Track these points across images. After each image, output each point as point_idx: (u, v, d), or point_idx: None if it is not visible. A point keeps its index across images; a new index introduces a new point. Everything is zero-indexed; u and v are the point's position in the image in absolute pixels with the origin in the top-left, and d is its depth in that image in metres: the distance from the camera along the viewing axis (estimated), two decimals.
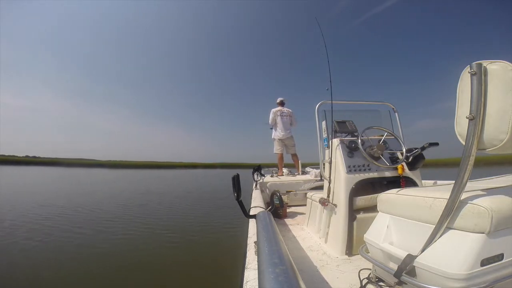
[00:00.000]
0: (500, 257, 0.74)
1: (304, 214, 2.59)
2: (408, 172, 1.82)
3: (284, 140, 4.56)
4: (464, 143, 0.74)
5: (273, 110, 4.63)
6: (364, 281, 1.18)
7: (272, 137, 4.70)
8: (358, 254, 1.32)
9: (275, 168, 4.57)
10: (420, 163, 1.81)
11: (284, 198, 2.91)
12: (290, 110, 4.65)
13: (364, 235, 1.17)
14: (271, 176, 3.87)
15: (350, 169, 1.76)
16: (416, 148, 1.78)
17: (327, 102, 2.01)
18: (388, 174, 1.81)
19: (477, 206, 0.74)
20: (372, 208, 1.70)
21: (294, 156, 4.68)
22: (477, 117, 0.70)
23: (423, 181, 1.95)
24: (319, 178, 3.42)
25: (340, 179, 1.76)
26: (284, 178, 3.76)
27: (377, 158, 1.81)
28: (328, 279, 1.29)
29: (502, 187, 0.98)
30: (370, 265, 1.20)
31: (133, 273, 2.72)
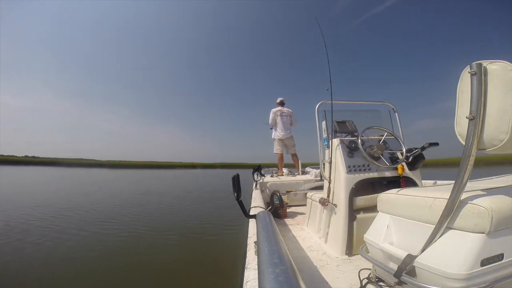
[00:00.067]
0: (500, 257, 0.74)
1: (304, 214, 2.59)
2: (408, 172, 1.82)
3: (284, 140, 4.57)
4: (464, 143, 0.74)
5: (273, 110, 4.63)
6: (364, 281, 1.18)
7: (272, 137, 4.70)
8: (358, 254, 1.32)
9: (275, 168, 4.57)
10: (420, 163, 1.81)
11: (284, 198, 2.91)
12: (290, 110, 4.66)
13: (364, 235, 1.17)
14: (271, 176, 3.87)
15: (350, 169, 1.76)
16: (416, 148, 1.78)
17: (327, 102, 2.01)
18: (388, 174, 1.81)
19: (477, 206, 0.74)
20: (372, 208, 1.70)
21: (294, 156, 4.68)
22: (477, 117, 0.70)
23: (423, 181, 1.95)
24: (319, 178, 3.42)
25: (340, 179, 1.76)
26: (284, 178, 3.76)
27: (377, 158, 1.81)
28: (328, 279, 1.29)
29: (502, 187, 0.98)
30: (370, 265, 1.20)
31: (133, 272, 2.72)
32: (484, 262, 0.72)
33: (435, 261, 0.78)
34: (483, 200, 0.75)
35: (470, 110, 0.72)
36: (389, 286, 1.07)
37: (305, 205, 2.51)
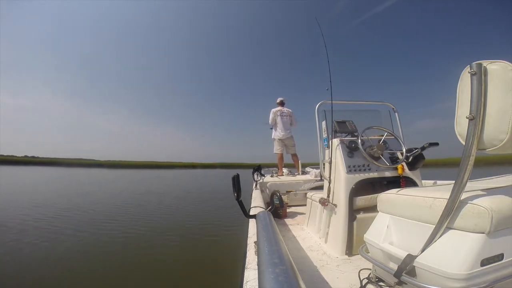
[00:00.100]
0: (500, 257, 0.74)
1: (304, 214, 2.59)
2: (408, 172, 1.82)
3: (284, 140, 4.57)
4: (464, 143, 0.74)
5: (273, 110, 4.63)
6: (364, 281, 1.18)
7: (272, 137, 4.70)
8: (358, 254, 1.32)
9: (275, 168, 4.57)
10: (420, 163, 1.81)
11: (284, 198, 2.91)
12: (290, 110, 4.66)
13: (364, 235, 1.17)
14: (271, 176, 3.87)
15: (350, 169, 1.76)
16: (416, 148, 1.78)
17: (327, 102, 2.01)
18: (388, 174, 1.81)
19: (477, 206, 0.74)
20: (372, 208, 1.70)
21: (294, 156, 4.68)
22: (477, 117, 0.70)
23: (423, 181, 1.96)
24: (319, 178, 3.42)
25: (340, 179, 1.76)
26: (284, 178, 3.76)
27: (377, 158, 1.81)
28: (328, 279, 1.29)
29: (502, 187, 0.98)
30: (370, 265, 1.20)
31: (133, 272, 2.72)
32: (484, 262, 0.72)
33: (435, 261, 0.78)
34: (483, 200, 0.75)
35: (470, 110, 0.72)
36: (389, 286, 1.07)
37: (305, 205, 2.51)
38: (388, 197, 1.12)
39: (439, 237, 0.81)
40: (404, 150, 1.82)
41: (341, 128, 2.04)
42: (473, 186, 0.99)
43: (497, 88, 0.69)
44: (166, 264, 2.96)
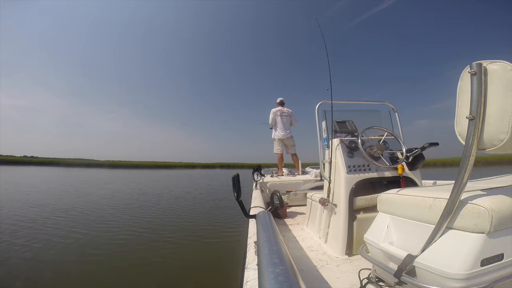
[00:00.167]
0: (500, 257, 0.74)
1: (304, 214, 2.59)
2: (408, 172, 1.82)
3: (284, 140, 4.57)
4: (464, 143, 0.74)
5: (273, 110, 4.64)
6: (364, 281, 1.18)
7: (272, 137, 4.71)
8: (358, 254, 1.32)
9: (275, 168, 4.57)
10: (420, 163, 1.81)
11: (284, 198, 2.91)
12: (290, 110, 4.66)
13: (364, 235, 1.17)
14: (271, 176, 3.87)
15: (350, 169, 1.76)
16: (416, 148, 1.78)
17: (327, 102, 2.01)
18: (388, 174, 1.81)
19: (477, 206, 0.74)
20: (372, 208, 1.70)
21: (294, 156, 4.68)
22: (477, 117, 0.70)
23: (423, 181, 1.96)
24: (319, 178, 3.42)
25: (340, 179, 1.76)
26: (284, 178, 3.76)
27: (377, 158, 1.81)
28: (328, 279, 1.29)
29: (502, 187, 0.97)
30: (370, 265, 1.20)
31: (133, 273, 2.72)
32: (484, 262, 0.72)
33: (435, 261, 0.78)
34: (483, 200, 0.75)
35: (470, 110, 0.72)
36: (389, 286, 1.07)
37: (305, 205, 2.51)
38: (388, 197, 1.12)
39: (439, 237, 0.81)
40: (404, 150, 1.82)
41: (341, 128, 2.04)
42: (473, 186, 0.99)
43: (497, 88, 0.69)
44: (166, 263, 2.96)
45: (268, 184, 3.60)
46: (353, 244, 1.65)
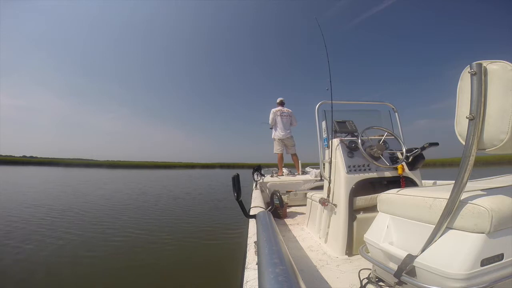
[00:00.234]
0: (500, 257, 0.74)
1: (304, 214, 2.59)
2: (408, 172, 1.83)
3: (284, 140, 4.57)
4: (464, 143, 0.74)
5: (273, 110, 4.64)
6: (364, 281, 1.18)
7: (272, 137, 4.71)
8: (358, 254, 1.32)
9: (275, 168, 4.57)
10: (420, 163, 1.81)
11: (284, 198, 2.91)
12: (290, 110, 4.66)
13: (364, 235, 1.17)
14: (271, 176, 3.87)
15: (350, 169, 1.76)
16: (416, 148, 1.78)
17: (327, 102, 2.01)
18: (388, 174, 1.82)
19: (477, 206, 0.74)
20: (372, 208, 1.70)
21: (294, 156, 4.68)
22: (477, 117, 0.70)
23: (423, 181, 1.96)
24: (319, 178, 3.42)
25: (340, 179, 1.76)
26: (284, 178, 3.76)
27: (377, 158, 1.81)
28: (328, 279, 1.29)
29: (502, 187, 0.98)
30: (370, 265, 1.20)
31: (133, 273, 2.72)
32: (484, 262, 0.72)
33: (435, 261, 0.78)
34: (483, 200, 0.75)
35: (470, 110, 0.72)
36: (389, 286, 1.07)
37: (305, 205, 2.51)
38: (388, 197, 1.12)
39: (439, 237, 0.81)
40: (404, 150, 1.82)
41: (341, 128, 2.04)
42: (473, 186, 0.99)
43: (497, 88, 0.69)
44: (166, 263, 2.96)
45: (268, 184, 3.60)
46: (353, 244, 1.65)
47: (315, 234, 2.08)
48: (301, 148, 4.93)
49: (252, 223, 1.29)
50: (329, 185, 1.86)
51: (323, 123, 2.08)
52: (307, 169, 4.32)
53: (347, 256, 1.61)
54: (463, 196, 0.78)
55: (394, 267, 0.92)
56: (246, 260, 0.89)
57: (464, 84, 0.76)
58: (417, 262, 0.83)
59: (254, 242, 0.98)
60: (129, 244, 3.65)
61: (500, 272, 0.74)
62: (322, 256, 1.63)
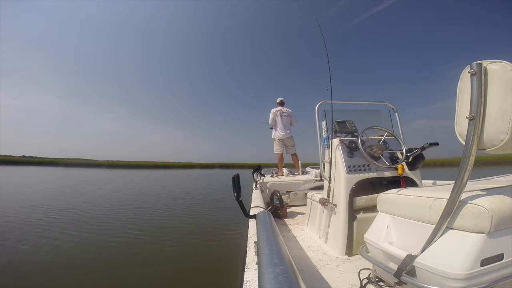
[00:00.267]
0: (500, 257, 0.74)
1: (304, 214, 2.59)
2: (408, 172, 1.83)
3: (284, 140, 4.57)
4: (464, 143, 0.74)
5: (273, 110, 4.64)
6: (364, 281, 1.18)
7: (272, 137, 4.71)
8: (358, 254, 1.32)
9: (275, 168, 4.58)
10: (420, 163, 1.81)
11: (284, 198, 2.91)
12: (290, 110, 4.67)
13: (364, 235, 1.17)
14: (271, 176, 3.87)
15: (350, 169, 1.76)
16: (416, 148, 1.78)
17: (327, 102, 2.01)
18: (388, 174, 1.82)
19: (477, 206, 0.74)
20: (372, 208, 1.70)
21: (294, 156, 4.68)
22: (477, 117, 0.70)
23: (423, 181, 1.96)
24: (319, 178, 3.42)
25: (340, 179, 1.76)
26: (284, 178, 3.76)
27: (377, 158, 1.81)
28: (328, 279, 1.29)
29: (502, 187, 0.98)
30: (370, 265, 1.20)
31: (132, 273, 2.71)
32: (484, 262, 0.72)
33: (435, 261, 0.78)
34: (483, 200, 0.75)
35: (470, 110, 0.72)
36: (389, 286, 1.07)
37: (305, 205, 2.51)
38: (388, 197, 1.12)
39: (439, 237, 0.81)
40: (404, 150, 1.82)
41: (341, 128, 2.04)
42: (473, 186, 0.99)
43: (497, 88, 0.69)
44: (166, 263, 2.96)
45: (268, 184, 3.60)
46: (353, 244, 1.65)
47: (315, 234, 2.08)
48: (301, 148, 4.93)
49: (252, 223, 1.29)
50: (329, 185, 1.86)
51: (323, 123, 2.08)
52: (307, 169, 4.32)
53: (347, 256, 1.61)
54: (463, 196, 0.78)
55: (394, 267, 0.92)
56: (246, 260, 0.89)
57: (464, 84, 0.76)
58: (417, 262, 0.83)
59: (254, 242, 0.98)
60: (128, 244, 3.63)
61: (500, 272, 0.74)
62: (322, 256, 1.63)
